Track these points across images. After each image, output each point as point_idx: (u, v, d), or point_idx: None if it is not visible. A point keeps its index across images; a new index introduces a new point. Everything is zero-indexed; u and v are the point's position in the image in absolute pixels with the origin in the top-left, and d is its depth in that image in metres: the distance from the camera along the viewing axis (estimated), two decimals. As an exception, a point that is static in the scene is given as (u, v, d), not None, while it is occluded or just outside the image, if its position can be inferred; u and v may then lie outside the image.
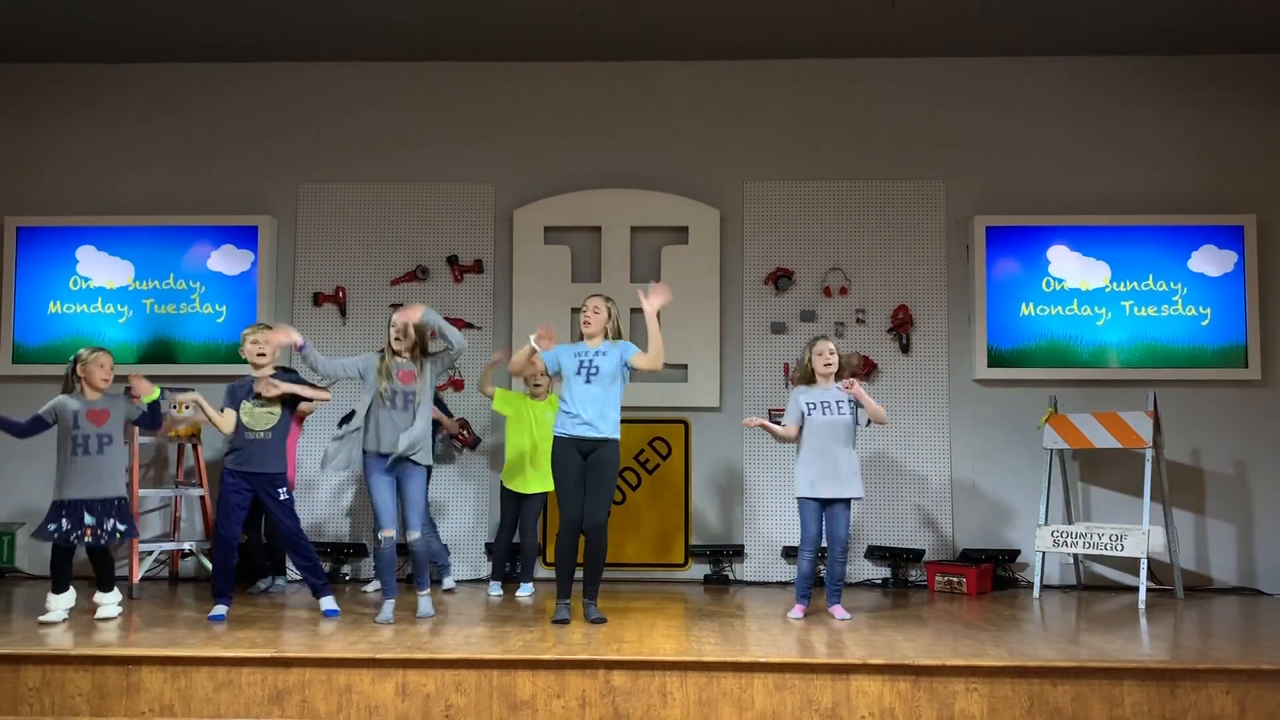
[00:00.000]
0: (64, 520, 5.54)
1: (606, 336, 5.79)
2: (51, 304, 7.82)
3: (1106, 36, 7.51)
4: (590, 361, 5.69)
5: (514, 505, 6.77)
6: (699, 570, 7.50)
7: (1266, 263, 7.58)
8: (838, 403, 5.89)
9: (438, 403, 7.13)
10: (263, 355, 5.85)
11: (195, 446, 7.32)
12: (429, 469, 5.81)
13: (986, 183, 7.76)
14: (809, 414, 5.91)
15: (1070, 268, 7.61)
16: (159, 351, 7.73)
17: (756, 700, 4.50)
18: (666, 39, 7.60)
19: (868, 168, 7.77)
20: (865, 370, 7.58)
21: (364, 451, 5.67)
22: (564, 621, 5.53)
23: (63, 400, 5.66)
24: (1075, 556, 7.31)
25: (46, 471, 7.70)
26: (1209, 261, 7.56)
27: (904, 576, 7.36)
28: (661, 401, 7.59)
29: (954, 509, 7.54)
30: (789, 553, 7.48)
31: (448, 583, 6.99)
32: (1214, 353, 7.51)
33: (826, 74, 7.87)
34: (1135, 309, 7.57)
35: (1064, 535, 6.91)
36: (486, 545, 7.49)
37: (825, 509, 5.88)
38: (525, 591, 6.69)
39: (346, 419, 6.20)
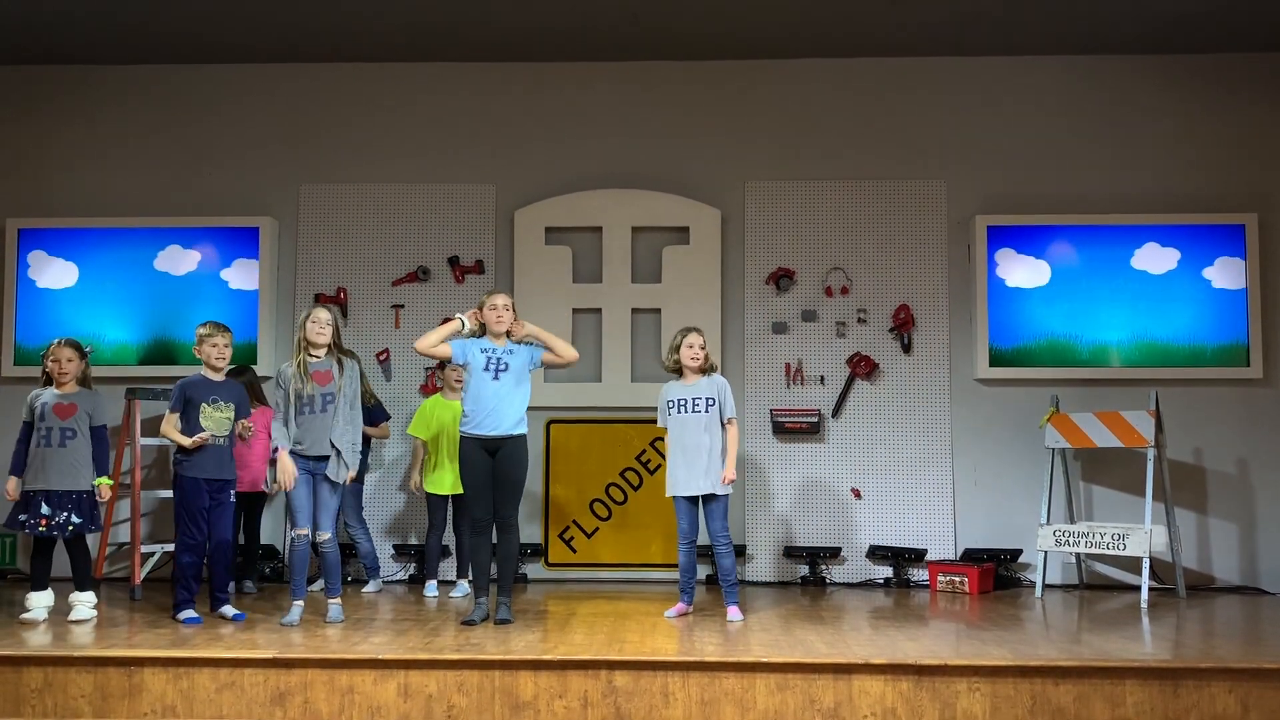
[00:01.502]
0: (29, 510, 5.61)
1: (511, 339, 5.76)
2: (53, 306, 7.82)
3: (1107, 35, 7.51)
4: (498, 359, 5.66)
5: (443, 506, 6.84)
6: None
7: (1268, 261, 7.57)
8: (694, 400, 5.87)
9: (377, 408, 7.15)
10: (223, 359, 5.83)
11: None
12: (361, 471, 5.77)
13: (988, 182, 7.75)
14: (669, 412, 5.95)
15: (1071, 267, 7.61)
16: (160, 353, 7.73)
17: (759, 700, 4.50)
18: (667, 39, 7.60)
19: (869, 167, 7.77)
20: (867, 370, 7.58)
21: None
22: (472, 623, 5.48)
23: (36, 393, 5.77)
24: (1077, 556, 7.31)
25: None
26: (1211, 260, 7.55)
27: (906, 576, 7.36)
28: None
29: (956, 508, 7.54)
30: (791, 553, 7.48)
31: (371, 586, 6.98)
32: (1215, 351, 7.50)
33: (827, 74, 7.87)
34: (1136, 308, 7.56)
35: (1066, 534, 6.90)
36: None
37: (701, 503, 5.90)
38: (460, 592, 6.71)
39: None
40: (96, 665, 4.62)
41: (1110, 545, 6.70)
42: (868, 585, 7.38)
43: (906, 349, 7.61)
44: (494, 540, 5.75)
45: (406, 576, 7.44)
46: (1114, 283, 7.58)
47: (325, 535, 5.68)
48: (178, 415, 5.73)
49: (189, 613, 5.60)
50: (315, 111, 7.96)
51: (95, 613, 5.74)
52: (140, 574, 6.77)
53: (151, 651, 4.71)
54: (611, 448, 7.59)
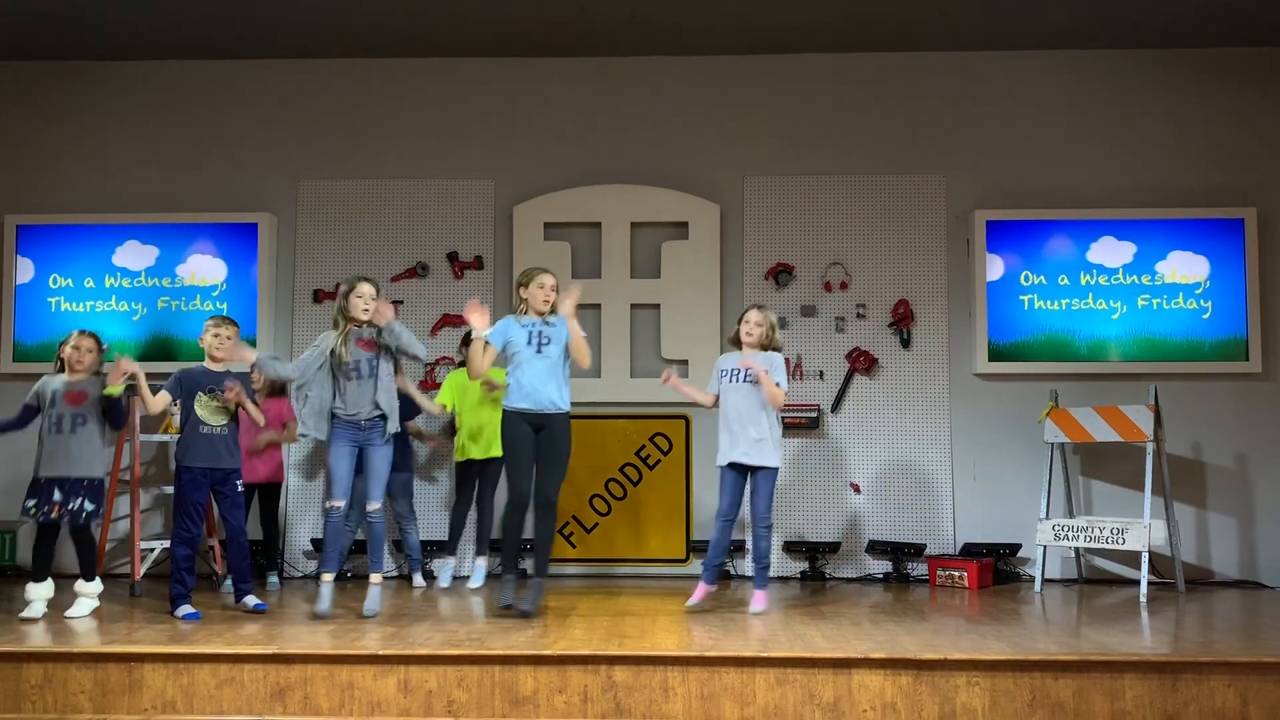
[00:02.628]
0: (39, 496, 5.61)
1: (554, 313, 5.77)
2: (51, 302, 7.81)
3: (1106, 30, 7.50)
4: (540, 332, 5.68)
5: (471, 478, 6.83)
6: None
7: (1267, 255, 7.57)
8: (746, 370, 5.85)
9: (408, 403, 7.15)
10: (222, 349, 5.83)
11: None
12: (394, 445, 5.76)
13: (986, 177, 7.75)
14: (722, 380, 5.96)
15: (1070, 261, 7.61)
16: (158, 349, 7.72)
17: (758, 695, 4.51)
18: (665, 34, 7.59)
19: (868, 162, 7.77)
20: (866, 365, 7.58)
21: (332, 417, 5.62)
22: (510, 607, 5.53)
23: (45, 380, 5.78)
24: (1076, 550, 7.31)
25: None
26: (1209, 254, 7.55)
27: (905, 571, 7.36)
28: (662, 397, 7.56)
29: (955, 503, 7.55)
30: (790, 548, 7.49)
31: (417, 579, 7.01)
32: (1214, 346, 7.51)
33: (826, 68, 7.86)
34: (1136, 302, 7.56)
35: (1065, 529, 6.91)
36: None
37: (748, 479, 5.85)
38: (445, 579, 6.81)
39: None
40: (96, 661, 4.62)
41: (1109, 540, 6.71)
42: (867, 580, 7.39)
43: (906, 344, 7.61)
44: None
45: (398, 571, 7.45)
46: (1112, 277, 7.58)
47: (375, 505, 5.67)
48: (166, 395, 5.74)
49: (186, 608, 5.59)
50: (314, 107, 7.95)
51: (98, 602, 5.77)
52: (140, 570, 6.77)
53: (151, 647, 4.71)
54: (611, 443, 7.60)
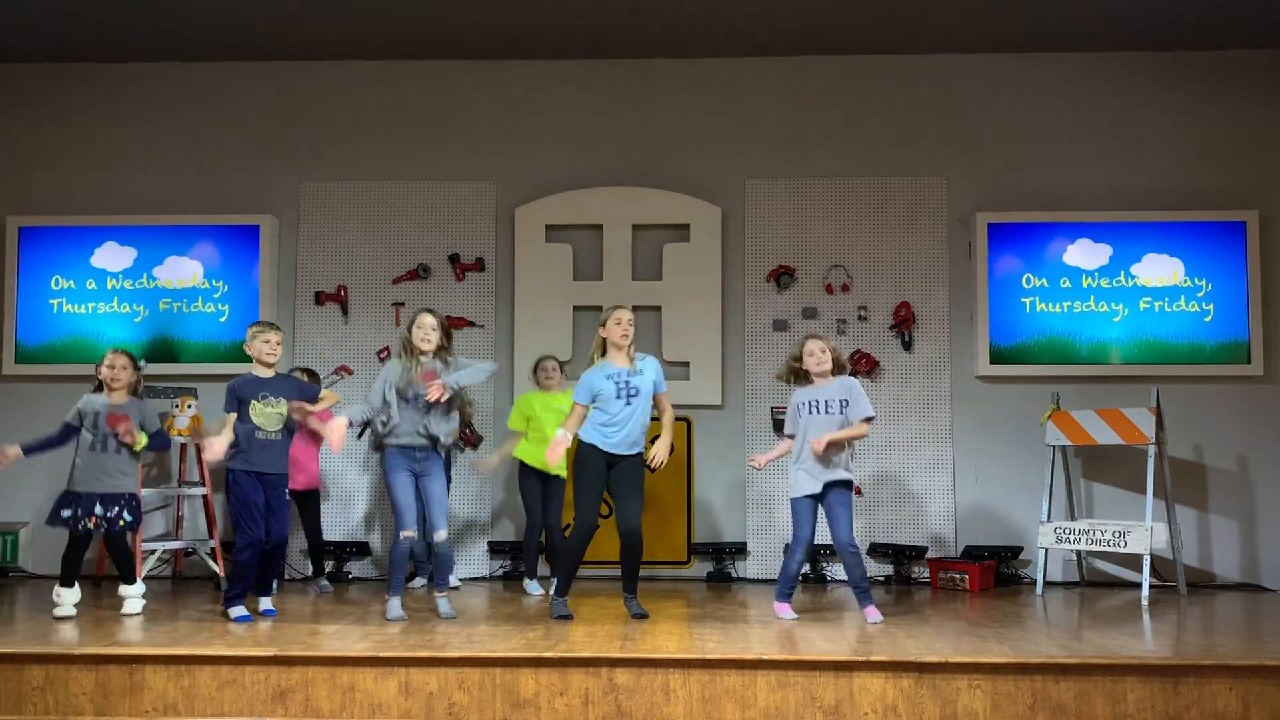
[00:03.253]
0: (77, 508, 5.72)
1: (632, 349, 5.81)
2: (53, 303, 7.82)
3: (1108, 32, 7.50)
4: (628, 383, 5.71)
5: (538, 498, 6.72)
6: (701, 568, 7.51)
7: (1269, 258, 7.57)
8: (827, 401, 5.77)
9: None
10: (274, 355, 5.85)
11: (198, 446, 7.32)
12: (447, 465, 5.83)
13: (988, 179, 7.75)
14: (800, 414, 5.82)
15: (1072, 264, 7.61)
16: (161, 351, 7.73)
17: (759, 697, 4.51)
18: (667, 36, 7.60)
19: (870, 165, 7.77)
20: (867, 368, 7.58)
21: (385, 448, 5.71)
22: (568, 617, 5.58)
23: (88, 399, 5.87)
24: (1078, 553, 7.31)
25: (49, 470, 7.75)
26: (1211, 257, 7.55)
27: (907, 573, 7.36)
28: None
29: (956, 506, 7.54)
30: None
31: (418, 582, 6.98)
32: (1216, 349, 7.50)
33: (828, 71, 7.87)
34: (1137, 305, 7.56)
35: (1067, 532, 6.90)
36: (489, 544, 7.50)
37: (821, 505, 5.76)
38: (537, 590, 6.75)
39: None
40: (98, 663, 4.62)
41: (1111, 542, 6.70)
42: (869, 583, 7.36)
43: (907, 346, 7.61)
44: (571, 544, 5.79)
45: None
46: (1114, 279, 7.58)
47: (442, 534, 5.71)
48: (234, 415, 5.73)
49: (240, 610, 5.61)
50: (316, 110, 7.96)
51: (145, 601, 5.90)
52: (141, 572, 6.76)
53: (153, 649, 4.71)
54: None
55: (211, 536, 7.17)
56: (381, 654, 4.60)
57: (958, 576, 7.03)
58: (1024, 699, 4.46)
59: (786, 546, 7.40)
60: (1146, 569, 6.57)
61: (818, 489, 5.70)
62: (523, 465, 6.76)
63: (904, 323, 7.61)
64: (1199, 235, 7.56)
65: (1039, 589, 6.91)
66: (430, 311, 5.82)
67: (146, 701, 4.58)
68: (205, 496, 7.23)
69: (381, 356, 7.67)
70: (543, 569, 6.99)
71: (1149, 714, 4.44)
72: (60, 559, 5.76)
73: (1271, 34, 7.50)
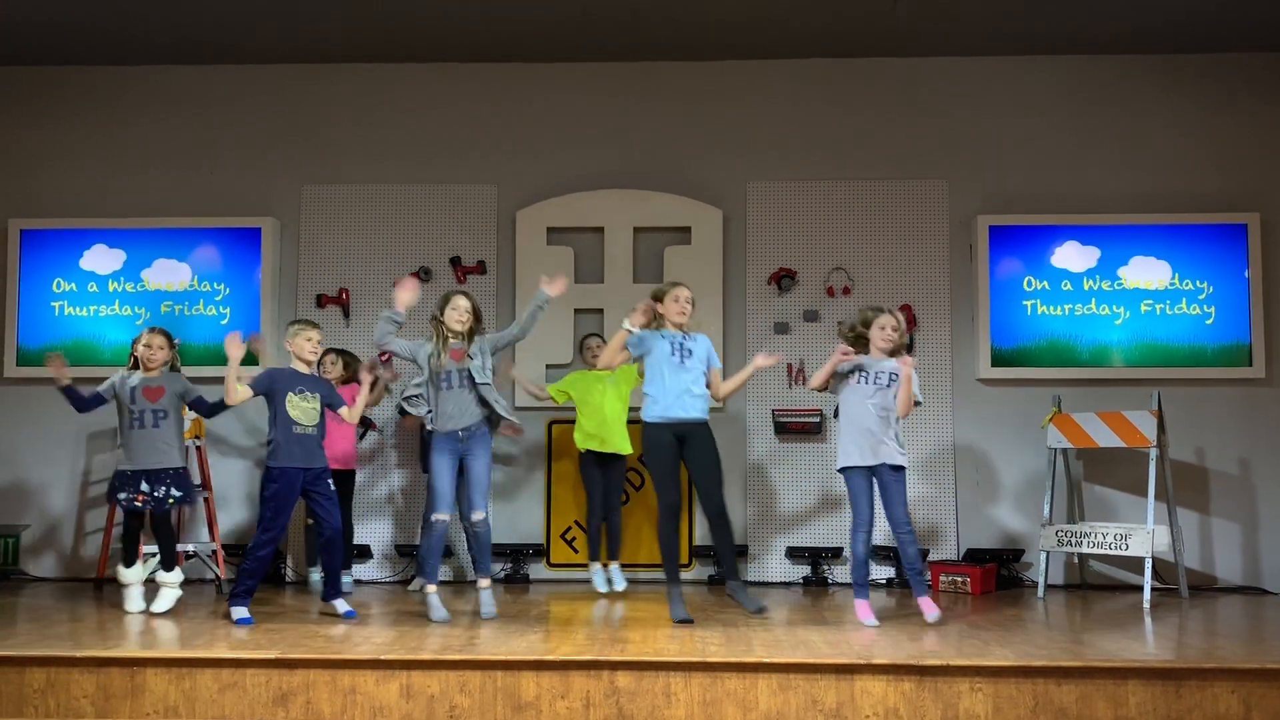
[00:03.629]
0: (128, 488, 5.86)
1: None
2: (55, 306, 7.82)
3: (1109, 35, 7.51)
4: (681, 344, 5.68)
5: (598, 483, 6.74)
6: (702, 571, 7.50)
7: (1271, 261, 7.57)
8: (876, 374, 5.69)
9: None
10: (316, 353, 5.90)
11: (199, 449, 7.32)
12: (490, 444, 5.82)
13: (989, 182, 7.75)
14: (856, 381, 5.72)
15: (1073, 267, 7.61)
16: (163, 353, 7.73)
17: (761, 700, 4.50)
18: (668, 39, 7.60)
19: (871, 167, 7.77)
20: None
21: (428, 433, 5.72)
22: (688, 621, 5.48)
23: (121, 375, 5.97)
24: (1079, 556, 7.30)
25: (51, 473, 7.76)
26: (1213, 260, 7.54)
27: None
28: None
29: (958, 509, 7.54)
30: (793, 553, 7.48)
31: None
32: (1218, 351, 7.50)
33: (829, 74, 7.87)
34: (1138, 308, 7.56)
35: (1068, 535, 6.90)
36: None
37: (876, 481, 5.68)
38: (621, 584, 6.78)
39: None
40: (99, 665, 4.62)
41: (1112, 545, 6.70)
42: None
43: (908, 349, 7.59)
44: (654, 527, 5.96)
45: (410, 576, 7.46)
46: (1115, 282, 7.58)
47: (480, 514, 5.69)
48: (249, 390, 5.76)
49: (242, 611, 5.58)
50: (317, 112, 7.97)
51: (180, 591, 6.00)
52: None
53: (154, 652, 4.71)
54: (613, 448, 7.58)
55: (212, 539, 7.17)
56: (383, 657, 4.60)
57: (959, 579, 7.03)
58: (1026, 702, 4.46)
59: (789, 549, 7.47)
60: (1148, 572, 6.57)
61: (870, 462, 5.64)
62: (581, 451, 6.79)
63: (905, 325, 7.59)
64: (1200, 238, 7.56)
65: (1040, 592, 6.91)
66: (464, 294, 5.86)
67: (147, 704, 4.58)
68: (206, 499, 7.23)
69: (383, 359, 7.66)
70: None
71: (1151, 717, 4.43)
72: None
73: (1274, 37, 7.50)
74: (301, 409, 5.77)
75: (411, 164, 7.90)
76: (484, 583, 5.78)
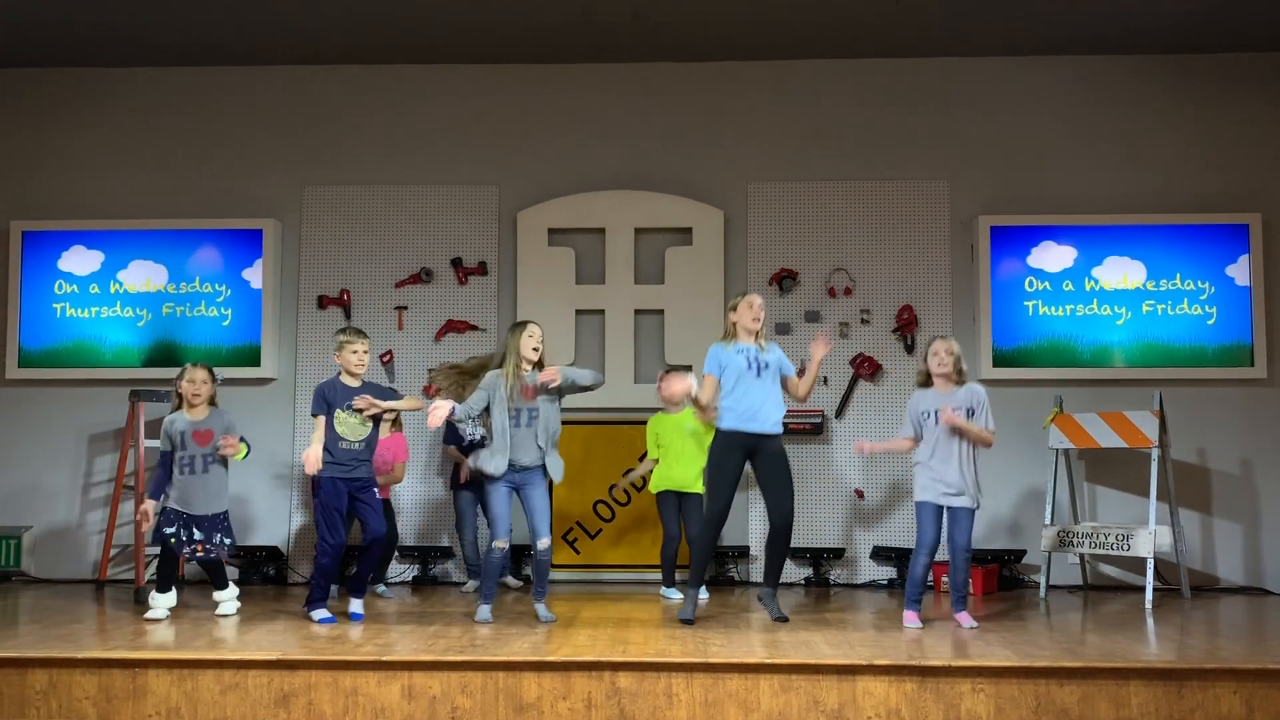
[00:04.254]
0: (179, 530, 5.80)
1: (760, 340, 5.81)
2: (56, 308, 7.82)
3: (1111, 35, 7.50)
4: (759, 358, 5.71)
5: (674, 510, 6.77)
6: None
7: (1272, 261, 7.56)
8: (954, 410, 5.65)
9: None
10: (362, 365, 5.86)
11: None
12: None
13: (990, 183, 7.75)
14: (925, 422, 5.74)
15: (1074, 267, 7.60)
16: (163, 355, 7.73)
17: (762, 701, 4.50)
18: (669, 40, 7.60)
19: (872, 168, 7.77)
20: (870, 371, 7.58)
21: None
22: (689, 621, 5.56)
23: (170, 420, 5.93)
24: (1081, 556, 7.29)
25: (52, 475, 7.75)
26: (1215, 260, 7.54)
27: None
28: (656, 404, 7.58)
29: (959, 509, 7.52)
30: (795, 554, 7.48)
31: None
32: (1220, 352, 7.49)
33: (830, 74, 7.87)
34: (1140, 308, 7.55)
35: (1070, 535, 6.90)
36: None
37: (945, 514, 5.70)
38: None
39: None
40: (101, 667, 4.62)
41: (1114, 546, 6.69)
42: (871, 586, 7.37)
43: (910, 349, 7.61)
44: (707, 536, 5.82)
45: (410, 578, 7.46)
46: (1117, 282, 7.57)
47: (544, 542, 5.71)
48: (321, 419, 5.76)
49: (323, 612, 5.65)
50: (318, 114, 7.97)
51: (240, 604, 5.96)
52: (144, 576, 6.78)
53: (155, 653, 4.71)
54: (614, 449, 7.59)
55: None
56: (384, 658, 4.60)
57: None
58: (1027, 703, 4.45)
59: (792, 550, 7.46)
60: (1150, 572, 6.56)
61: (942, 501, 5.67)
62: (659, 493, 6.81)
63: (906, 326, 7.60)
64: (1202, 238, 7.56)
65: (1042, 592, 6.91)
66: (537, 322, 5.86)
67: (149, 705, 4.58)
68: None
69: (384, 360, 7.67)
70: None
71: (1153, 718, 4.43)
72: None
73: (1274, 37, 7.49)
74: (349, 425, 5.77)
75: (413, 165, 7.91)
76: (540, 604, 5.76)
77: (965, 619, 5.64)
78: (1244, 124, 7.69)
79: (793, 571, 7.50)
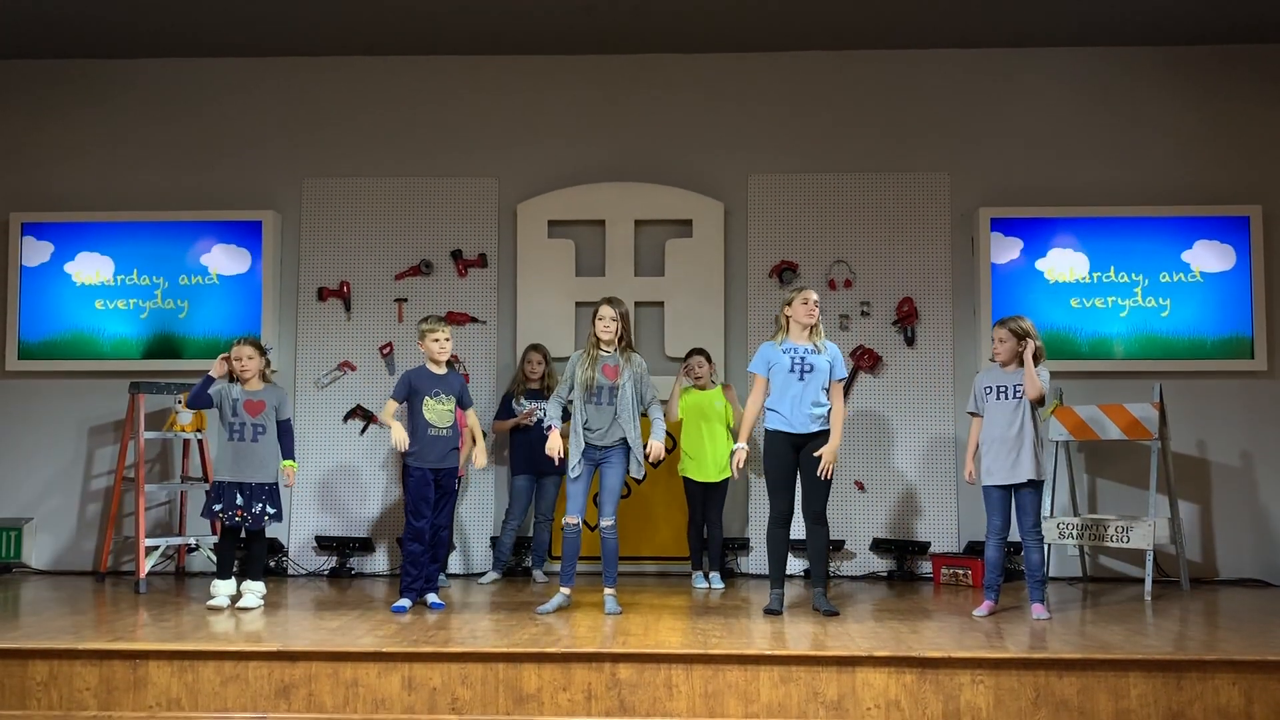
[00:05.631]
0: (226, 501, 5.88)
1: (817, 333, 5.85)
2: (57, 300, 7.82)
3: (1111, 27, 7.48)
4: (803, 359, 5.76)
5: (699, 496, 6.88)
6: (795, 564, 7.47)
7: (1272, 253, 7.55)
8: (1014, 386, 5.78)
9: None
10: (445, 352, 5.94)
11: (200, 442, 7.34)
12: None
13: (991, 174, 7.74)
14: (985, 398, 5.87)
15: (1075, 259, 7.60)
16: (164, 347, 7.73)
17: (762, 693, 4.51)
18: (670, 31, 7.58)
19: (872, 160, 7.76)
20: (871, 363, 7.57)
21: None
22: (776, 611, 5.64)
23: (226, 386, 5.99)
24: (1081, 548, 7.30)
25: (53, 467, 7.76)
26: (1215, 252, 7.53)
27: (910, 569, 7.35)
28: (666, 396, 7.57)
29: (959, 501, 7.53)
30: (794, 546, 7.47)
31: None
32: (1220, 344, 7.49)
33: (830, 66, 7.85)
34: (1141, 300, 7.55)
35: (1070, 527, 6.90)
36: (491, 539, 7.48)
37: (1012, 495, 5.77)
38: (718, 585, 6.88)
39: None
40: (101, 658, 4.63)
41: (1114, 538, 6.70)
42: (871, 578, 7.38)
43: (910, 342, 7.60)
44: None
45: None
46: (1117, 274, 7.57)
47: (608, 521, 5.75)
48: (397, 403, 5.88)
49: (403, 602, 5.72)
50: (318, 105, 7.96)
51: (263, 602, 5.95)
52: (145, 568, 6.78)
53: (156, 644, 4.72)
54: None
55: (214, 532, 7.17)
56: (385, 649, 4.61)
57: (960, 572, 7.03)
58: (1027, 694, 4.46)
59: (791, 542, 7.45)
60: (1150, 564, 6.57)
61: (1008, 481, 5.74)
62: (685, 478, 6.91)
63: (907, 318, 7.60)
64: (1202, 230, 7.55)
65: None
66: (610, 302, 5.86)
67: (150, 697, 4.59)
68: (207, 492, 7.22)
69: (384, 351, 7.67)
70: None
71: (1152, 709, 4.44)
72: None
73: (1276, 28, 7.47)
74: (436, 411, 5.85)
75: (412, 157, 7.89)
76: (609, 590, 5.78)
77: (1039, 610, 5.67)
78: (1245, 116, 7.68)
79: (793, 563, 7.50)
